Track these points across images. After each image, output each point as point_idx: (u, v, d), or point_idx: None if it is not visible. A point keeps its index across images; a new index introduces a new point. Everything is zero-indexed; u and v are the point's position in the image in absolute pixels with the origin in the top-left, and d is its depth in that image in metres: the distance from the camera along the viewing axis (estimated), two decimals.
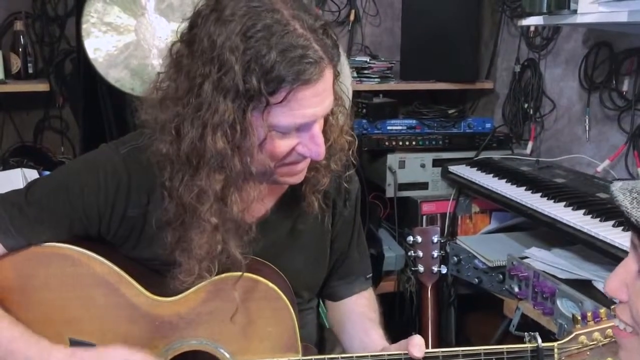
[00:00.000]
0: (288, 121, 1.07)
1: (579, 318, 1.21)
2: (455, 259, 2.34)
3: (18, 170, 2.12)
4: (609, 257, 1.69)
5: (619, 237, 1.67)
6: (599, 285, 1.78)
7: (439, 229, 2.00)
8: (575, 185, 2.15)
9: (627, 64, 2.25)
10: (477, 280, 2.27)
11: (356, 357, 1.20)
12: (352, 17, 3.09)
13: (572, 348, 1.19)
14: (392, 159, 2.64)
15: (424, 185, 2.68)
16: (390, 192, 2.64)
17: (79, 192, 1.19)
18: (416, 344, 1.17)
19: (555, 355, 1.19)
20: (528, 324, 1.97)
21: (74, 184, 1.19)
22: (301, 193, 1.26)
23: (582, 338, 1.19)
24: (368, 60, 2.93)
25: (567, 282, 1.83)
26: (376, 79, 2.89)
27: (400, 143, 2.66)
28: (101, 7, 1.99)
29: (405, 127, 2.72)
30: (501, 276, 2.14)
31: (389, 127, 2.69)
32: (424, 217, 2.63)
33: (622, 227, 1.72)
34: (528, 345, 1.19)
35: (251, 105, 1.04)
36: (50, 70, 2.72)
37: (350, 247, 1.44)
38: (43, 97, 2.71)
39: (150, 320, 1.23)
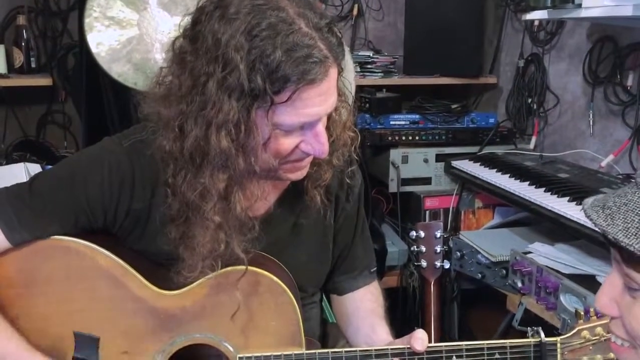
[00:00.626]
0: (292, 120, 1.06)
1: (582, 313, 1.21)
2: (458, 254, 2.34)
3: (21, 164, 2.13)
4: None
5: None
6: (602, 281, 1.77)
7: (442, 224, 1.99)
8: (578, 180, 2.14)
9: (631, 59, 2.24)
10: (480, 275, 2.26)
11: (360, 351, 1.20)
12: (355, 12, 3.08)
13: (575, 343, 1.19)
14: (395, 154, 2.63)
15: (427, 180, 2.68)
16: (393, 187, 2.64)
17: (83, 186, 1.19)
18: (419, 338, 1.17)
19: (558, 350, 1.19)
20: (531, 319, 1.97)
21: (78, 178, 1.19)
22: (303, 188, 1.26)
23: (585, 333, 1.19)
24: (371, 54, 2.93)
25: (571, 277, 1.82)
26: (379, 74, 2.89)
27: (403, 138, 2.66)
28: (104, 1, 1.99)
29: (408, 122, 2.71)
30: (504, 271, 2.14)
31: (392, 122, 2.69)
32: (427, 212, 2.62)
33: None
34: (531, 340, 1.19)
35: (256, 105, 1.03)
36: (52, 64, 2.72)
37: (353, 241, 1.44)
38: (46, 92, 2.72)
39: (155, 313, 1.23)
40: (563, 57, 2.60)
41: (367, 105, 2.70)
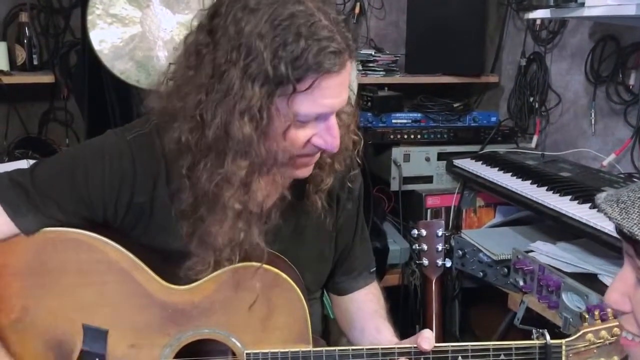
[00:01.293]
0: (309, 109, 1.07)
1: (587, 316, 1.22)
2: (460, 252, 2.34)
3: (23, 161, 2.13)
4: (615, 250, 1.69)
5: None
6: (605, 279, 1.78)
7: (443, 222, 1.99)
8: (580, 179, 2.14)
9: (633, 58, 2.24)
10: (481, 273, 2.27)
11: (366, 349, 1.21)
12: (357, 10, 3.08)
13: (580, 346, 1.20)
14: (396, 153, 2.64)
15: (428, 179, 2.69)
16: (395, 186, 2.64)
17: (84, 178, 1.18)
18: (426, 337, 1.19)
19: (563, 353, 1.20)
20: (533, 318, 1.97)
21: (79, 170, 1.19)
22: (304, 192, 1.27)
23: (590, 336, 1.20)
24: (373, 53, 2.92)
25: (573, 275, 1.83)
26: (381, 72, 2.88)
27: (405, 136, 2.66)
28: None
29: (410, 121, 2.72)
30: (506, 270, 2.14)
31: (393, 121, 2.69)
32: (429, 211, 2.63)
33: None
34: (536, 342, 1.20)
35: (278, 91, 1.04)
36: (55, 62, 2.71)
37: (353, 241, 1.44)
38: (48, 89, 2.71)
39: (164, 307, 1.23)
40: (565, 56, 2.61)
41: (369, 103, 2.70)
